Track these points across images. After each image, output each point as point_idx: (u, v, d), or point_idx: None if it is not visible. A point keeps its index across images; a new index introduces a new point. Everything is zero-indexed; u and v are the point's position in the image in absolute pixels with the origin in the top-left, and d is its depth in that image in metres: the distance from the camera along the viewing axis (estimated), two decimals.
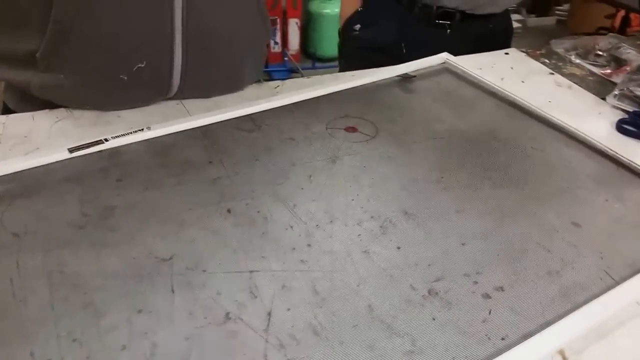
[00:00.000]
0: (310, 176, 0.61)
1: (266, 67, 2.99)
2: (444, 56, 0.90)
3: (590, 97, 0.85)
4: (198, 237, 0.52)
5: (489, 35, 1.08)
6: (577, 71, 0.93)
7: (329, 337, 0.43)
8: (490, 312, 0.46)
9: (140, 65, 0.67)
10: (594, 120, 0.78)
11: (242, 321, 0.44)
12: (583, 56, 0.97)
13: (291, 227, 0.54)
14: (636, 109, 0.78)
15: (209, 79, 0.75)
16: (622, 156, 0.67)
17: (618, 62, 0.93)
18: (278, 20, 2.97)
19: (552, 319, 0.46)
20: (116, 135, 0.64)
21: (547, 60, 0.96)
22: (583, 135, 0.72)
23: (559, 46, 1.00)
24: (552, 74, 0.92)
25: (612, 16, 3.00)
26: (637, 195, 0.63)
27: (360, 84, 0.81)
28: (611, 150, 0.69)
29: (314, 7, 3.07)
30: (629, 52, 0.94)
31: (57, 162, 0.60)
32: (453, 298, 0.47)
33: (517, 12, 3.82)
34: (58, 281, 0.46)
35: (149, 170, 0.60)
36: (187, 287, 0.46)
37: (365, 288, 0.48)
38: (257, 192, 0.58)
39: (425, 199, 0.59)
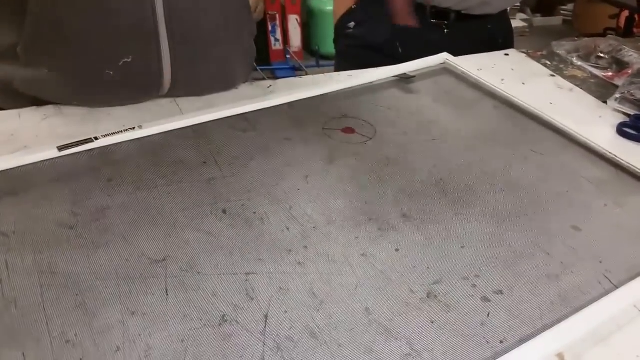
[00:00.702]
0: (307, 177, 0.61)
1: (269, 65, 2.98)
2: (444, 57, 0.90)
3: (591, 100, 0.84)
4: (192, 239, 0.51)
5: (488, 36, 1.07)
6: (579, 73, 0.93)
7: (326, 340, 0.43)
8: (488, 315, 0.46)
9: (126, 59, 0.65)
10: (595, 123, 0.78)
11: (239, 323, 0.43)
12: (584, 58, 0.96)
13: (288, 228, 0.53)
14: (637, 113, 0.78)
15: (199, 75, 0.74)
16: (623, 160, 0.67)
17: (620, 65, 0.93)
18: (277, 16, 2.95)
19: (551, 322, 0.45)
20: (107, 133, 0.62)
21: (548, 62, 0.95)
22: (583, 138, 0.71)
23: (561, 48, 0.99)
24: (553, 75, 0.91)
25: (616, 16, 2.99)
26: (637, 199, 0.62)
27: (358, 84, 0.80)
28: (611, 153, 0.68)
29: (315, 3, 3.06)
30: (630, 55, 0.93)
31: (46, 160, 0.59)
32: (452, 301, 0.47)
33: (522, 11, 3.82)
34: (49, 282, 0.45)
35: (141, 170, 0.59)
36: (182, 289, 0.46)
37: (363, 291, 0.47)
38: (253, 193, 0.57)
39: (424, 202, 0.58)
